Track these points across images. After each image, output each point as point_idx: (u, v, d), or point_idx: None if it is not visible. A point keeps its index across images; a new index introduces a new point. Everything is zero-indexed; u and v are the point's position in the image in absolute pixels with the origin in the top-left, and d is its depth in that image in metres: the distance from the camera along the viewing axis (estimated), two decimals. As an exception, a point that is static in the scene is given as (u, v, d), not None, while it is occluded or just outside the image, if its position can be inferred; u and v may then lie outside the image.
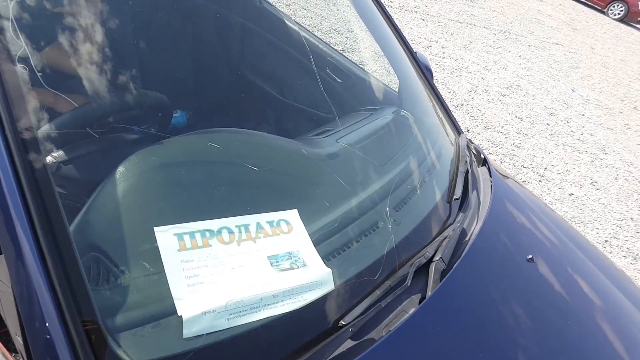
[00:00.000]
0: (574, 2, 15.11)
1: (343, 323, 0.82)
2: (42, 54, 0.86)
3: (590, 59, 8.42)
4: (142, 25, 1.25)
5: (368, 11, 1.60)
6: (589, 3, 15.59)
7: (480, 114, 4.36)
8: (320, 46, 1.84)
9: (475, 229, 1.17)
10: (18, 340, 0.81)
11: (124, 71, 1.03)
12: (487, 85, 5.12)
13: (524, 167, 3.74)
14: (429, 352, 0.86)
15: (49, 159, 0.76)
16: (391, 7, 6.38)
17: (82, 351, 0.61)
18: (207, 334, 0.71)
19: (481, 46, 6.45)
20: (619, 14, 15.14)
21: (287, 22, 1.96)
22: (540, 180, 3.64)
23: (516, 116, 4.63)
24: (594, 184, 3.88)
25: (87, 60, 0.93)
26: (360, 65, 1.81)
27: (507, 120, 4.46)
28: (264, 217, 0.89)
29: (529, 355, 0.95)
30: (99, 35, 0.99)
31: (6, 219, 0.63)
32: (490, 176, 1.45)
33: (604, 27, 12.86)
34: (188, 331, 0.70)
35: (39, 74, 0.79)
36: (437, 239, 1.08)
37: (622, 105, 6.44)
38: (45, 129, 0.78)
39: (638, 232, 3.44)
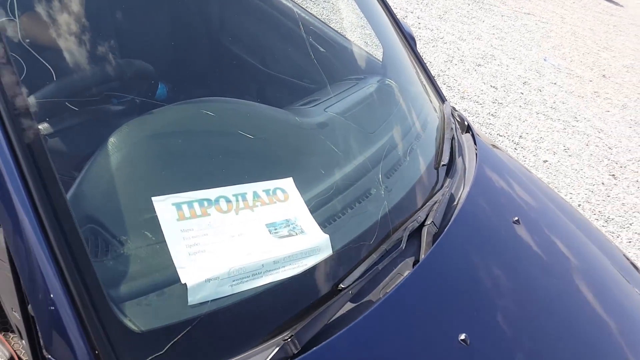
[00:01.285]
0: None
1: (342, 286, 0.84)
2: (21, 22, 0.82)
3: (560, 28, 8.53)
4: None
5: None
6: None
7: (457, 84, 4.40)
8: (303, 15, 1.81)
9: (462, 193, 1.20)
10: (15, 316, 0.80)
11: (106, 42, 1.00)
12: (463, 56, 5.14)
13: (499, 136, 3.82)
14: (425, 311, 0.89)
15: (40, 128, 0.73)
16: (365, -24, 6.28)
17: (89, 321, 0.61)
18: (211, 300, 0.71)
19: (456, 16, 6.44)
20: (587, -17, 15.31)
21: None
22: (515, 148, 3.72)
23: (491, 85, 4.69)
24: (567, 150, 4.00)
25: (68, 32, 0.90)
26: (344, 35, 1.79)
27: (482, 90, 4.51)
28: (260, 186, 0.89)
29: (516, 311, 0.99)
30: (78, 6, 0.95)
31: (4, 194, 0.62)
32: (475, 143, 1.47)
33: (588, 9, 13.00)
34: (193, 298, 0.70)
35: (21, 44, 0.76)
36: (427, 204, 1.10)
37: (592, 73, 6.58)
38: (32, 100, 0.76)
39: (609, 196, 3.57)
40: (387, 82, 1.51)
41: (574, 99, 5.28)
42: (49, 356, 0.62)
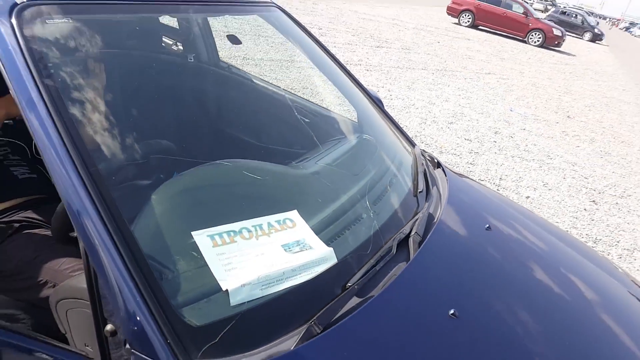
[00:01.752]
0: (497, 36, 16.56)
1: (349, 285, 1.04)
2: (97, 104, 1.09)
3: (520, 81, 9.24)
4: (158, 91, 1.52)
5: (325, 64, 1.91)
6: (511, 35, 17.13)
7: (434, 141, 4.76)
8: (286, 95, 2.16)
9: (440, 211, 1.43)
10: (88, 350, 0.98)
11: (141, 127, 1.28)
12: (435, 117, 5.59)
13: (481, 180, 4.10)
14: (417, 298, 1.08)
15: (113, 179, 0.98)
16: (335, 63, 6.93)
17: (162, 322, 0.80)
18: (247, 301, 0.91)
19: (423, 85, 7.03)
20: (537, 40, 16.69)
21: (254, 80, 2.28)
22: (497, 189, 3.99)
23: (465, 139, 5.07)
24: (546, 185, 4.27)
25: (109, 118, 1.17)
26: (324, 106, 2.11)
27: (458, 144, 4.87)
28: (272, 218, 1.11)
29: (490, 291, 1.19)
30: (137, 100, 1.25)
31: (89, 237, 0.84)
32: (445, 175, 1.73)
33: (528, 53, 14.11)
34: (233, 300, 0.90)
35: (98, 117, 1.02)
36: (410, 221, 1.32)
37: (557, 116, 7.08)
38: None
39: (593, 220, 3.79)
40: (364, 136, 1.79)
41: (544, 140, 5.67)
42: (133, 350, 0.80)
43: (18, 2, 1.00)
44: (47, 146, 0.89)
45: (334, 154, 1.57)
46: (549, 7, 37.76)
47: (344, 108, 2.18)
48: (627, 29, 56.59)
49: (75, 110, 0.98)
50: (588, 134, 6.44)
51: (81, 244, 0.86)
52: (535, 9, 21.97)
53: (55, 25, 1.06)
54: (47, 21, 1.06)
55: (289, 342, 0.88)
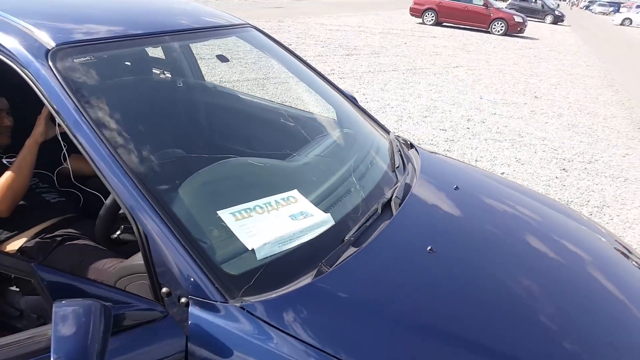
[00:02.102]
0: (461, 30, 17.11)
1: (346, 238, 1.31)
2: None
3: (487, 70, 9.67)
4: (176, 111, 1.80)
5: (302, 71, 2.19)
6: (475, 28, 17.71)
7: (411, 135, 5.08)
8: (270, 105, 2.45)
9: (415, 180, 1.71)
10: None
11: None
12: (410, 113, 5.92)
13: (459, 164, 4.41)
14: (399, 243, 1.36)
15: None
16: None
17: (210, 274, 1.06)
18: (269, 255, 1.18)
19: (395, 85, 7.39)
20: (500, 29, 17.28)
21: (240, 95, 2.57)
22: (475, 170, 4.30)
23: (440, 129, 5.40)
24: (519, 160, 4.60)
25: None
26: (306, 110, 2.40)
27: (434, 134, 5.20)
28: (278, 196, 1.38)
29: (459, 230, 1.49)
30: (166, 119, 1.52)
31: (148, 215, 1.10)
32: (418, 153, 2.02)
33: (492, 43, 14.63)
34: (259, 255, 1.17)
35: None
36: (391, 189, 1.60)
37: (525, 98, 7.47)
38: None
39: (564, 186, 4.12)
40: (344, 130, 2.08)
41: (515, 121, 6.03)
42: (191, 298, 1.05)
43: (49, 48, 1.26)
44: (96, 156, 1.14)
45: (320, 148, 1.85)
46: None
47: (324, 109, 2.48)
48: (586, 7, 58.23)
49: (110, 126, 1.25)
50: (555, 110, 6.82)
51: (138, 228, 1.11)
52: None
53: (80, 62, 1.34)
54: (73, 60, 1.33)
55: (307, 279, 1.14)
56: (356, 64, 8.68)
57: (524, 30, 17.51)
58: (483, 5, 17.52)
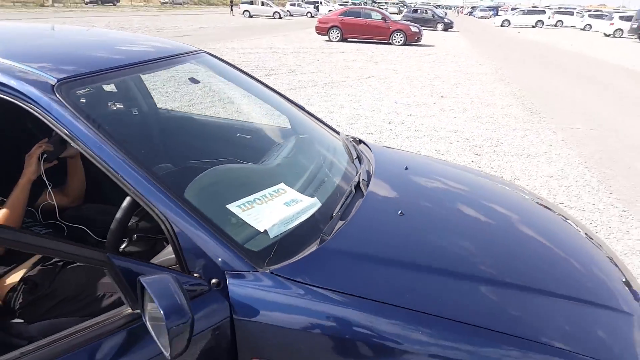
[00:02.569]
0: (366, 44, 18.18)
1: (334, 214, 1.59)
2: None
3: (396, 77, 10.47)
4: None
5: (253, 87, 2.45)
6: (377, 41, 18.91)
7: (342, 142, 5.48)
8: (224, 121, 2.67)
9: (372, 167, 2.04)
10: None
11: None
12: (337, 122, 6.34)
13: (390, 162, 4.86)
14: (376, 212, 1.67)
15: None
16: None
17: (237, 250, 1.29)
18: (279, 233, 1.43)
19: (318, 99, 7.81)
20: (400, 40, 18.62)
21: (193, 116, 2.77)
22: (404, 165, 4.78)
23: (367, 133, 5.86)
24: (438, 151, 5.16)
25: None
26: (261, 123, 2.65)
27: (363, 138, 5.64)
28: (269, 190, 1.63)
29: (417, 198, 1.83)
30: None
31: (172, 216, 1.29)
32: (367, 146, 2.36)
33: (395, 53, 15.74)
34: (271, 234, 1.41)
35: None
36: (356, 175, 1.91)
37: (433, 98, 8.24)
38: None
39: (480, 167, 4.71)
40: (300, 135, 2.37)
41: (428, 119, 6.67)
42: (226, 272, 1.26)
43: (52, 83, 1.42)
44: (121, 170, 1.32)
45: (285, 151, 2.12)
46: (401, 8, 41.61)
47: (280, 118, 2.75)
48: (470, 13, 63.94)
49: (122, 143, 1.43)
50: (460, 106, 7.62)
51: (167, 227, 1.30)
52: (390, 13, 24.31)
53: (80, 93, 1.51)
54: (75, 91, 1.49)
55: (313, 247, 1.40)
56: (277, 82, 9.02)
57: (421, 39, 19.00)
58: (382, 19, 18.80)
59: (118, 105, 2.63)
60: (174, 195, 1.32)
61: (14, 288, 1.68)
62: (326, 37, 19.26)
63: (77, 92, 1.50)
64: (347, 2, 53.20)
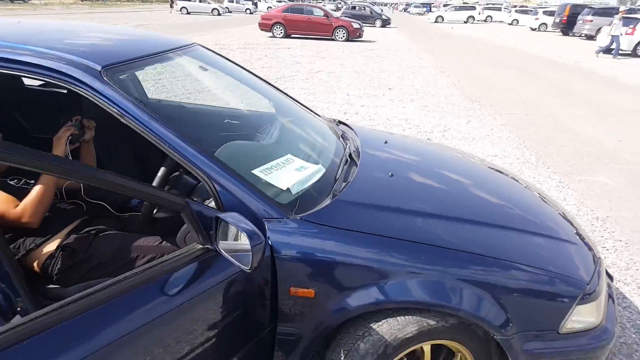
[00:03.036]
0: (310, 40, 18.52)
1: (336, 177, 1.91)
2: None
3: (344, 72, 10.90)
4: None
5: (244, 76, 2.71)
6: (321, 37, 19.32)
7: (304, 131, 5.79)
8: (214, 108, 2.92)
9: (357, 141, 2.38)
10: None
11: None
12: (295, 114, 6.64)
13: (351, 148, 5.24)
14: (371, 175, 2.01)
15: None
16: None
17: (269, 201, 1.58)
18: (299, 190, 1.73)
19: (272, 93, 8.05)
20: (343, 36, 19.12)
21: (184, 105, 2.98)
22: (365, 150, 5.17)
23: (326, 123, 6.21)
24: (395, 137, 5.60)
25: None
26: (247, 110, 2.92)
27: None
28: (280, 160, 1.92)
29: (399, 165, 2.19)
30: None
31: (218, 177, 1.55)
32: (347, 125, 2.70)
33: (340, 48, 16.21)
34: (294, 191, 1.71)
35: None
36: (346, 148, 2.24)
37: (381, 90, 8.73)
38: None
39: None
40: (288, 118, 2.66)
41: (380, 109, 7.13)
42: (265, 219, 1.55)
43: (98, 69, 1.64)
44: (169, 141, 1.56)
45: (277, 132, 2.41)
46: (339, 5, 42.33)
47: (262, 105, 3.03)
48: (405, 9, 66.03)
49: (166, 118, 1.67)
50: (408, 97, 8.16)
51: (212, 188, 1.56)
52: (330, 10, 24.74)
53: (121, 77, 1.73)
54: (118, 76, 1.71)
55: (327, 200, 1.72)
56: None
57: (362, 35, 19.62)
58: (324, 16, 19.22)
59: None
60: (215, 160, 1.59)
61: (51, 255, 1.86)
62: (270, 34, 19.42)
63: (119, 77, 1.71)
64: (285, -1, 53.41)
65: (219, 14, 35.98)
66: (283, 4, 32.16)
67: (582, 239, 1.97)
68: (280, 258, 1.53)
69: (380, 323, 1.55)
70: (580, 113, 7.46)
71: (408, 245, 1.59)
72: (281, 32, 19.17)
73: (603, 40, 16.27)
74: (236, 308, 1.52)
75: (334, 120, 2.80)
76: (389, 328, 1.54)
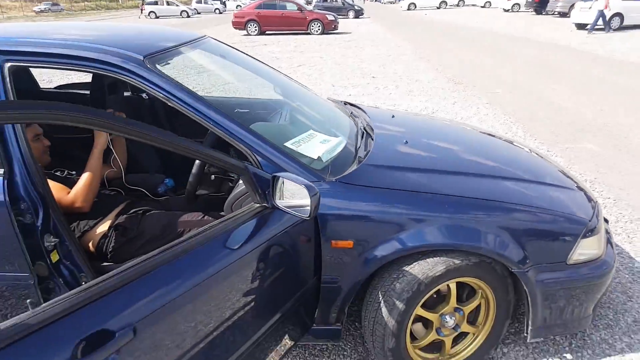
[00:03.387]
0: (286, 36, 18.62)
1: (357, 146, 2.11)
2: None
3: (325, 64, 11.08)
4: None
5: (254, 65, 2.88)
6: (296, 31, 19.44)
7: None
8: (224, 99, 3.09)
9: (367, 118, 2.58)
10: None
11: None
12: (286, 106, 6.81)
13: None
14: (388, 143, 2.22)
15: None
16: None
17: (311, 170, 1.77)
18: (329, 158, 1.92)
19: (259, 87, 8.19)
20: (318, 29, 19.27)
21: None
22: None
23: (317, 112, 6.40)
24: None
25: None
26: (257, 97, 3.09)
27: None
28: (304, 135, 2.10)
29: (410, 134, 2.40)
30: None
31: (262, 150, 1.74)
32: (353, 105, 2.90)
33: (317, 41, 16.36)
34: (324, 159, 1.90)
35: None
36: (360, 124, 2.44)
37: (366, 79, 8.95)
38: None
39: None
40: (298, 102, 2.85)
41: (367, 97, 7.34)
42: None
43: (141, 58, 1.80)
44: (213, 119, 1.73)
45: (290, 114, 2.60)
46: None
47: (270, 93, 3.20)
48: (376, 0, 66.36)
49: (210, 100, 1.84)
50: (392, 83, 8.39)
51: (252, 157, 1.74)
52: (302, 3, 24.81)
53: (162, 63, 1.89)
54: (161, 64, 1.87)
55: (354, 166, 1.92)
56: (211, 79, 9.26)
57: (337, 27, 19.79)
58: (298, 9, 19.33)
59: (126, 93, 2.97)
60: (256, 134, 1.77)
61: (104, 235, 2.03)
62: (244, 32, 19.43)
63: (160, 64, 1.87)
64: (254, -4, 53.03)
65: (188, 16, 35.68)
66: (253, 1, 32.16)
67: (581, 187, 2.22)
68: (321, 216, 1.72)
69: (412, 265, 1.76)
70: (560, 88, 7.80)
71: (432, 196, 1.80)
72: (255, 29, 19.21)
73: (578, 16, 16.65)
74: (288, 259, 1.72)
75: (341, 101, 2.99)
76: (421, 269, 1.75)
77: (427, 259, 1.75)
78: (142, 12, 37.99)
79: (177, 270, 1.39)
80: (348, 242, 1.75)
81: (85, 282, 1.88)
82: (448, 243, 1.74)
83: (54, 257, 1.83)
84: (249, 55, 2.91)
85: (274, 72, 2.93)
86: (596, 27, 16.22)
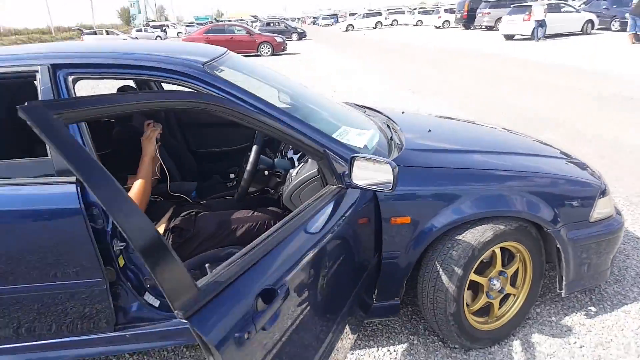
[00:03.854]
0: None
1: (391, 137, 2.31)
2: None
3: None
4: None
5: (273, 77, 3.03)
6: (247, 54, 19.65)
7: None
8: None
9: (390, 115, 2.80)
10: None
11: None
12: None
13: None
14: (414, 130, 2.44)
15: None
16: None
17: (354, 152, 1.95)
18: (371, 147, 2.10)
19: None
20: (268, 51, 19.59)
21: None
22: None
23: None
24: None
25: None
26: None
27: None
28: (341, 130, 2.28)
29: (430, 125, 2.64)
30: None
31: (310, 142, 1.89)
32: (365, 107, 3.11)
33: (269, 62, 16.62)
34: (370, 146, 2.08)
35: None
36: (385, 121, 2.65)
37: (327, 93, 9.26)
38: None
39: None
40: (317, 106, 3.02)
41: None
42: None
43: (202, 65, 1.92)
44: (273, 117, 1.87)
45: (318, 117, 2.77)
46: (252, 22, 42.80)
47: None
48: (313, 22, 68.02)
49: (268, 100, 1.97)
50: (354, 95, 8.75)
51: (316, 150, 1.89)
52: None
53: (218, 70, 2.01)
54: (219, 70, 2.00)
55: (394, 153, 2.12)
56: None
57: (286, 48, 20.21)
58: (247, 33, 19.59)
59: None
60: (318, 130, 1.93)
61: (161, 237, 2.09)
62: (194, 57, 19.40)
63: (217, 71, 2.00)
64: (192, 23, 52.93)
65: (131, 45, 35.02)
66: (195, 28, 32.06)
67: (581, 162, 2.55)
68: (380, 196, 1.89)
69: (463, 234, 1.96)
70: (510, 90, 8.44)
71: (472, 171, 2.02)
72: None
73: (506, 28, 18.15)
74: (357, 238, 1.87)
75: (350, 102, 3.20)
76: (472, 236, 1.95)
77: (477, 227, 1.96)
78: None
79: (276, 255, 1.46)
80: (406, 218, 1.92)
81: (150, 285, 1.94)
82: (495, 210, 1.96)
83: (121, 261, 1.88)
84: (268, 68, 3.06)
85: (291, 81, 3.09)
86: (525, 37, 17.65)
